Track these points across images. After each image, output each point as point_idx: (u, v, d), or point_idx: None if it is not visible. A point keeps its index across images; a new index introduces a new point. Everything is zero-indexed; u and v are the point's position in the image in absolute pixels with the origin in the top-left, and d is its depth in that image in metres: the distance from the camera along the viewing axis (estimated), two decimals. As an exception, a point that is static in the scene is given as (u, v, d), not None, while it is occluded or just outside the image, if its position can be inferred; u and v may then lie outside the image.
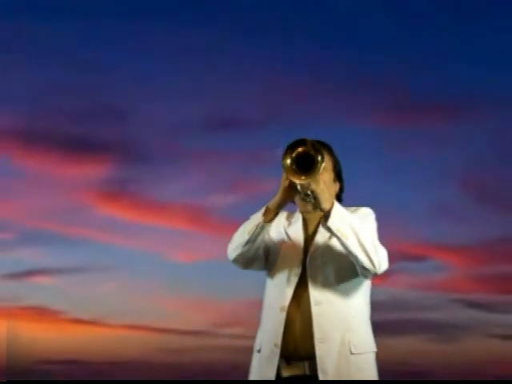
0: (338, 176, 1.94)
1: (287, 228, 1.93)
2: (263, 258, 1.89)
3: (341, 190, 1.95)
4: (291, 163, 1.67)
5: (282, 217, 1.94)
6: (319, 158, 1.65)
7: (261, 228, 1.77)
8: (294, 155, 1.67)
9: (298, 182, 1.68)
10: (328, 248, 1.82)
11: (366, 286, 1.86)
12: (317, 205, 1.72)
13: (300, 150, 1.67)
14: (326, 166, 1.76)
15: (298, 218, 1.94)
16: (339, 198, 1.94)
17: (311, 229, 1.90)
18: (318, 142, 1.75)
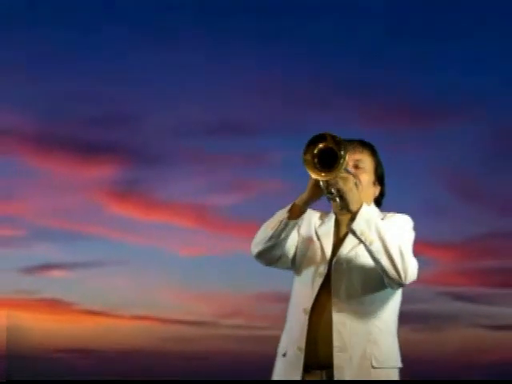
0: (380, 179, 1.71)
1: (318, 227, 1.70)
2: (289, 257, 1.68)
3: (381, 194, 1.73)
4: (311, 159, 1.47)
5: (315, 216, 1.73)
6: (341, 153, 1.45)
7: (284, 224, 1.57)
8: (315, 151, 1.47)
9: (319, 178, 1.48)
10: (356, 254, 1.60)
11: (396, 298, 1.63)
12: (343, 205, 1.51)
13: (321, 145, 1.48)
14: (366, 166, 1.65)
15: (330, 218, 1.71)
16: (379, 202, 1.73)
17: (343, 231, 1.66)
18: (361, 141, 1.65)
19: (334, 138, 1.46)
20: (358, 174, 1.63)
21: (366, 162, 1.65)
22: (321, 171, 1.47)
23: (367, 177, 1.65)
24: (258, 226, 1.65)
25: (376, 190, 1.70)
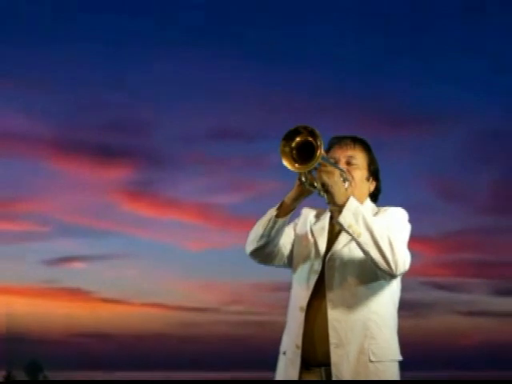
0: (374, 175, 1.58)
1: (313, 225, 1.58)
2: (284, 255, 1.57)
3: (377, 189, 1.59)
4: (290, 152, 1.36)
5: (312, 214, 1.61)
6: (317, 144, 1.33)
7: (273, 222, 1.46)
8: (293, 145, 1.36)
9: (292, 169, 1.36)
10: (350, 249, 1.49)
11: (391, 290, 1.51)
12: (329, 199, 1.40)
13: (298, 139, 1.36)
14: (358, 162, 1.52)
15: (325, 216, 1.59)
16: (376, 197, 1.61)
17: (337, 227, 1.53)
18: (353, 137, 1.54)
19: (308, 129, 1.35)
20: (351, 170, 1.53)
21: (359, 158, 1.54)
22: (298, 163, 1.36)
23: (360, 173, 1.53)
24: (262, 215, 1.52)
25: (371, 186, 1.57)
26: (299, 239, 1.57)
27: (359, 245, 1.39)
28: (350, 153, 1.55)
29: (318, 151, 1.33)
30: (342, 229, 1.41)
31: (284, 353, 1.53)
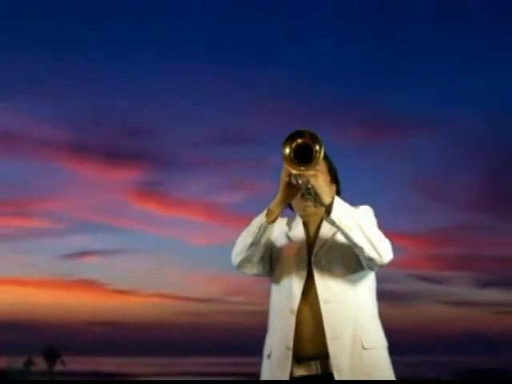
0: (335, 178, 1.58)
1: (288, 232, 1.56)
2: (267, 262, 1.54)
3: (337, 192, 1.58)
4: (290, 153, 1.35)
5: (283, 222, 1.59)
6: (317, 148, 1.33)
7: (264, 229, 1.44)
8: (293, 146, 1.35)
9: (297, 172, 1.35)
10: (331, 246, 1.49)
11: (372, 280, 1.52)
12: (317, 200, 1.39)
13: (299, 141, 1.35)
14: (321, 168, 1.49)
15: (298, 223, 1.58)
16: None
17: (312, 231, 1.55)
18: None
19: (311, 135, 1.34)
20: None
21: (321, 164, 1.50)
22: (299, 165, 1.35)
23: (324, 177, 1.49)
24: (248, 224, 1.50)
25: (333, 189, 1.55)
26: (277, 248, 1.55)
27: (350, 238, 1.39)
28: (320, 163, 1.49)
29: (319, 154, 1.34)
30: (333, 225, 1.40)
31: (268, 356, 1.48)
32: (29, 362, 16.47)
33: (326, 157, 1.54)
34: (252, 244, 1.45)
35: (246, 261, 1.49)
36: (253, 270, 1.52)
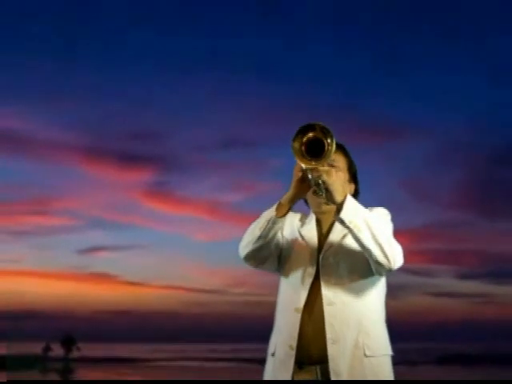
0: (354, 177, 1.41)
1: (300, 228, 1.40)
2: (275, 258, 1.38)
3: (356, 191, 1.41)
4: (300, 147, 1.21)
5: (296, 218, 1.43)
6: (329, 142, 1.20)
7: (273, 223, 1.30)
8: (304, 140, 1.21)
9: (307, 166, 1.22)
10: (341, 247, 1.33)
11: (381, 286, 1.35)
12: (328, 197, 1.24)
13: (310, 135, 1.21)
14: (340, 165, 1.36)
15: (311, 219, 1.41)
16: (355, 198, 1.35)
17: (325, 229, 1.38)
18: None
19: (322, 128, 1.21)
20: None
21: (340, 161, 1.37)
22: (310, 160, 1.21)
23: (342, 175, 1.34)
24: (257, 218, 1.35)
25: (351, 188, 1.40)
26: (288, 243, 1.39)
27: (359, 240, 1.24)
28: (332, 156, 1.31)
29: (330, 148, 1.20)
30: (342, 225, 1.25)
31: (273, 354, 1.35)
32: (47, 348, 16.60)
33: (346, 154, 1.40)
34: (260, 237, 1.31)
35: (252, 254, 1.34)
36: (259, 264, 1.36)
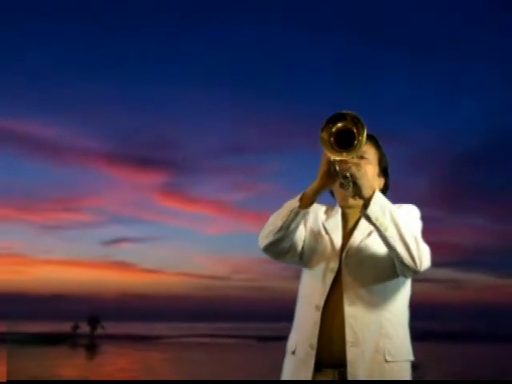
0: (384, 171, 1.18)
1: (325, 221, 1.18)
2: (297, 251, 1.15)
3: (386, 186, 1.18)
4: (329, 137, 1.00)
5: (321, 210, 1.20)
6: (360, 132, 0.99)
7: (295, 214, 1.07)
8: (333, 130, 1.00)
9: (336, 158, 1.00)
10: (366, 245, 1.12)
11: (406, 288, 1.13)
12: (356, 191, 1.04)
13: (340, 125, 1.00)
14: (370, 158, 1.15)
15: (336, 212, 1.18)
16: (384, 194, 1.14)
17: (350, 224, 1.16)
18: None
19: (353, 118, 1.00)
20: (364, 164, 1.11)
21: (370, 153, 1.15)
22: (341, 152, 1.00)
23: (372, 168, 1.14)
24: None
25: (381, 182, 1.18)
26: (312, 236, 1.17)
27: (385, 239, 1.04)
28: (362, 148, 1.09)
29: (361, 139, 0.99)
30: (368, 221, 1.04)
31: (293, 352, 1.12)
32: (75, 327, 16.88)
33: (377, 146, 1.17)
34: (281, 228, 1.09)
35: (273, 245, 1.11)
36: (279, 256, 1.14)
